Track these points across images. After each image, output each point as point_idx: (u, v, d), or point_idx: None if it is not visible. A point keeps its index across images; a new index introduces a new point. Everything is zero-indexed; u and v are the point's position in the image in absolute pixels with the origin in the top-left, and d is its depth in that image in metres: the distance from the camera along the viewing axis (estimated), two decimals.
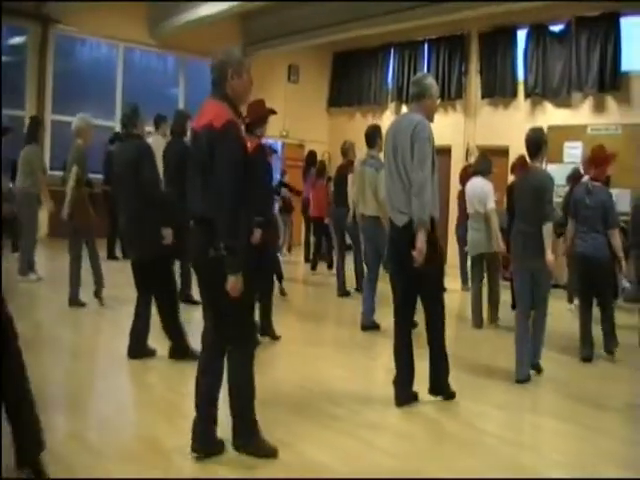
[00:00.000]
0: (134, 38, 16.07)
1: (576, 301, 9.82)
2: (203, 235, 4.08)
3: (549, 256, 6.44)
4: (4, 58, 14.80)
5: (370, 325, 8.29)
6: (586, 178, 7.82)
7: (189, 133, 4.52)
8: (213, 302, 4.22)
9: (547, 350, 6.97)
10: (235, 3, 13.46)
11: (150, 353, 6.36)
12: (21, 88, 14.72)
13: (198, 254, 4.14)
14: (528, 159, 6.67)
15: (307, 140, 18.46)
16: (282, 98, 18.28)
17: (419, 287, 5.50)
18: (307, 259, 14.48)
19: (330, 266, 13.19)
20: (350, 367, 6.81)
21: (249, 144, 6.63)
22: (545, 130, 13.48)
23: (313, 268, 13.37)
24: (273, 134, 17.93)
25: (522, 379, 6.41)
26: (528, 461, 4.66)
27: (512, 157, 12.44)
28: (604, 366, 7.33)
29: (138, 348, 6.30)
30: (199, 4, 14.16)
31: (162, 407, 5.22)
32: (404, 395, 5.50)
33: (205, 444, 4.19)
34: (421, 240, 5.17)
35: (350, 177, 10.27)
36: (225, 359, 4.23)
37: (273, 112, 7.29)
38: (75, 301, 8.32)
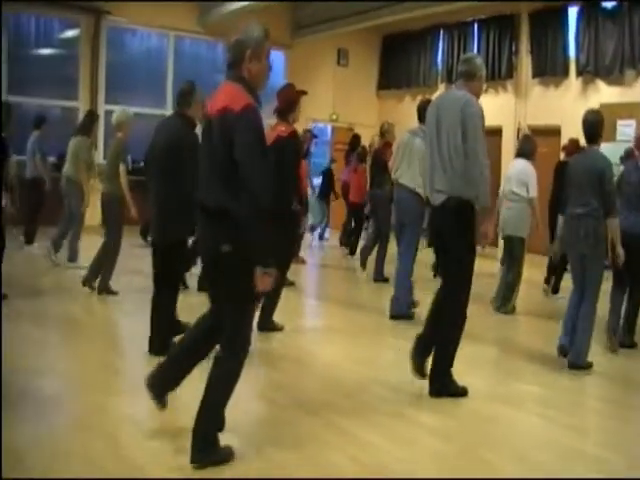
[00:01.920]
0: (184, 27, 16.25)
1: None
2: (216, 228, 3.82)
3: (619, 250, 6.36)
4: (58, 51, 15.18)
5: (403, 313, 7.95)
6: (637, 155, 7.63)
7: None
8: (222, 298, 3.96)
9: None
10: None
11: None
12: (75, 80, 15.02)
13: (210, 248, 3.88)
14: (585, 142, 6.50)
15: (356, 124, 18.42)
16: (331, 82, 18.38)
17: (448, 272, 5.35)
18: (342, 243, 14.28)
19: (354, 252, 12.95)
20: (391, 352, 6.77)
21: (283, 129, 6.84)
22: (598, 108, 13.62)
23: (352, 253, 13.18)
24: (322, 118, 18.01)
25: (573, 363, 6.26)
26: (575, 442, 4.68)
27: (564, 137, 12.36)
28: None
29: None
30: None
31: None
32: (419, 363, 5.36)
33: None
34: (487, 224, 5.17)
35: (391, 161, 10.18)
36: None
37: (304, 93, 7.16)
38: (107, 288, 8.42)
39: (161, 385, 4.19)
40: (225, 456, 3.93)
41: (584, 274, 6.36)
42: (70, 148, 9.93)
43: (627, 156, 9.64)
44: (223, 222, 3.76)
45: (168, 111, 15.70)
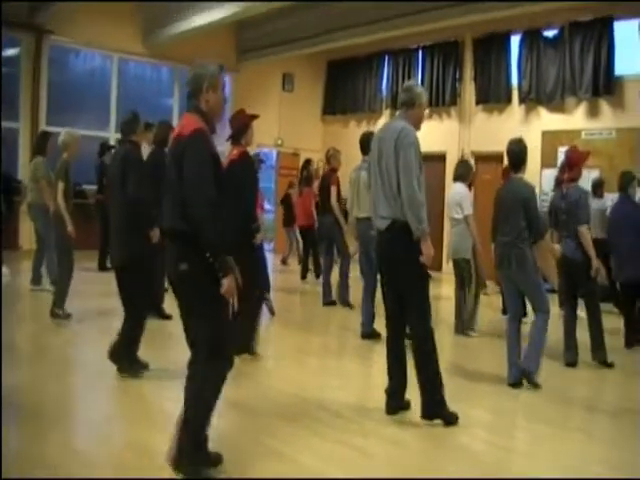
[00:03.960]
0: (128, 49, 16.02)
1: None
2: (174, 249, 4.05)
3: (550, 274, 6.48)
4: None
5: (369, 334, 8.25)
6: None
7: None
8: (186, 314, 4.14)
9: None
10: (228, 14, 13.38)
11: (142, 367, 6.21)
12: (15, 100, 14.68)
13: (171, 268, 4.08)
14: (512, 170, 6.69)
15: (301, 149, 18.45)
16: (277, 107, 18.38)
17: (402, 295, 5.39)
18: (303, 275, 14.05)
19: (318, 275, 12.85)
20: (346, 376, 6.81)
21: (235, 152, 6.99)
22: (539, 135, 13.89)
23: (303, 277, 13.25)
24: (267, 143, 17.95)
25: (512, 382, 6.45)
26: (519, 466, 4.71)
27: (506, 163, 12.47)
28: (591, 370, 7.33)
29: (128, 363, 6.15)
30: (193, 14, 14.13)
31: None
32: (394, 404, 5.46)
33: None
34: (427, 246, 5.17)
35: (333, 188, 10.31)
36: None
37: (255, 117, 7.28)
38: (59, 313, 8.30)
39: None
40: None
41: (518, 296, 6.66)
42: (30, 172, 9.78)
43: (557, 184, 9.80)
44: (179, 243, 4.02)
45: (111, 134, 15.58)
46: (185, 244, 3.98)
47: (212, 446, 4.16)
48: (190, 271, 3.97)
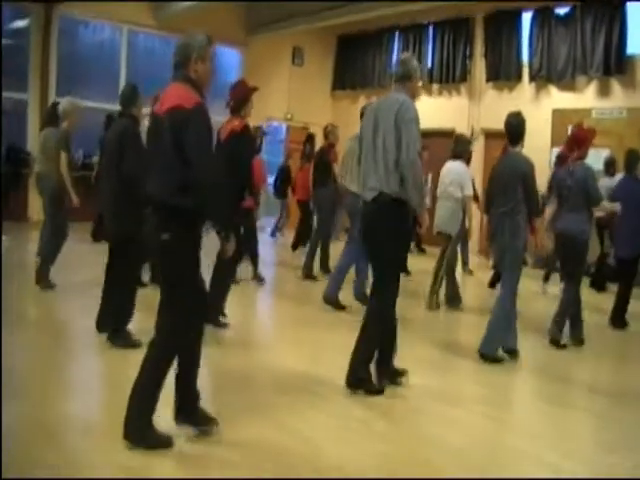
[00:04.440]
0: (138, 21, 15.98)
1: (550, 282, 10.41)
2: (158, 219, 4.04)
3: (545, 243, 6.78)
4: (7, 41, 14.78)
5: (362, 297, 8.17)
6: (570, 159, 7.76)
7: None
8: (164, 282, 4.20)
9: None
10: None
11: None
12: (24, 71, 14.66)
13: (152, 237, 4.08)
14: (509, 144, 6.73)
15: (311, 123, 18.38)
16: (286, 81, 18.33)
17: (377, 267, 5.44)
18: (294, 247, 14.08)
19: (294, 247, 13.35)
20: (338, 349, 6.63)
21: (236, 124, 6.96)
22: (550, 113, 13.83)
23: (294, 247, 13.44)
24: (277, 117, 17.94)
25: (485, 352, 6.50)
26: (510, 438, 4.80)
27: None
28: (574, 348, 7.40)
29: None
30: None
31: None
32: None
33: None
34: (425, 218, 5.30)
35: (335, 165, 10.39)
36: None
37: (255, 89, 7.30)
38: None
39: (185, 412, 4.25)
40: (161, 442, 4.04)
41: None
42: (39, 144, 9.71)
43: (560, 160, 9.80)
44: (165, 213, 4.00)
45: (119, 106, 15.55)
46: (168, 214, 3.99)
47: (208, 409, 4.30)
48: (171, 241, 3.99)
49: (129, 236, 6.14)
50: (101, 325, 6.38)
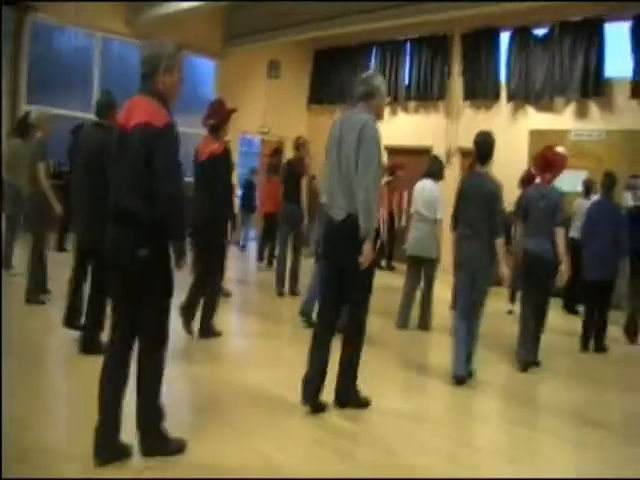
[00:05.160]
0: (112, 28, 15.67)
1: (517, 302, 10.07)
2: (131, 235, 3.96)
3: (504, 270, 6.60)
4: None
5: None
6: (538, 180, 7.73)
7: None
8: (137, 303, 4.07)
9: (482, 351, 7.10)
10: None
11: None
12: None
13: (125, 254, 3.99)
14: (477, 163, 6.73)
15: (286, 137, 18.19)
16: (263, 94, 18.15)
17: (347, 288, 5.39)
18: (261, 257, 13.97)
19: (270, 263, 13.22)
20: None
21: (216, 147, 7.04)
22: (527, 134, 13.80)
23: (269, 263, 13.33)
24: (252, 130, 17.74)
25: (459, 374, 6.48)
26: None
27: (494, 160, 12.35)
28: (540, 371, 7.40)
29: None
30: None
31: None
32: (310, 396, 5.39)
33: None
34: (368, 248, 5.17)
35: (304, 178, 10.39)
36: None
37: (234, 111, 7.45)
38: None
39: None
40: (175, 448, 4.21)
41: (471, 292, 6.60)
42: (6, 153, 9.51)
43: (527, 180, 9.78)
44: (137, 227, 3.95)
45: (92, 114, 15.24)
46: (144, 229, 3.93)
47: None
48: (149, 257, 3.94)
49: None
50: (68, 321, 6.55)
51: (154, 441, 4.14)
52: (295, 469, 4.25)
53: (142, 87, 4.07)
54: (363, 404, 5.48)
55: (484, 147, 6.67)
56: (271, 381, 6.04)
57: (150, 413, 4.13)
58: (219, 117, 7.20)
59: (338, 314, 5.52)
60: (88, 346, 6.18)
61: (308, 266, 9.83)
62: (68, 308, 6.63)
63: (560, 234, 7.25)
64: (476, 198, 6.50)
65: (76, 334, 6.50)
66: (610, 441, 5.42)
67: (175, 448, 4.20)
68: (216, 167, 6.92)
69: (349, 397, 5.44)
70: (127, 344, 4.13)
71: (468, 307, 6.63)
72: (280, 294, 10.50)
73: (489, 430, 5.58)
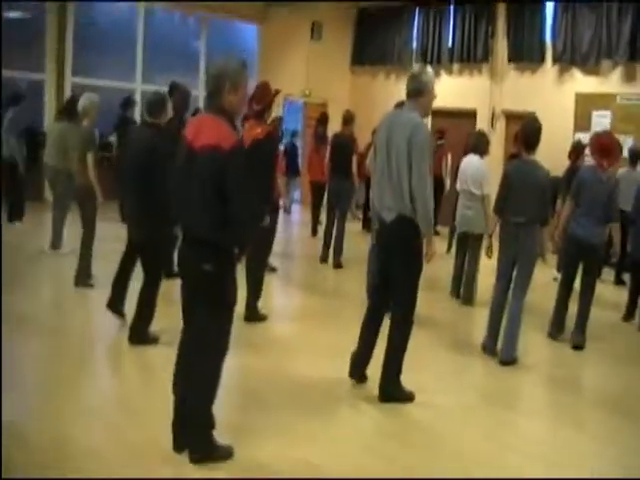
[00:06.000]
0: None
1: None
2: (198, 251, 4.15)
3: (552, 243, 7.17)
4: (25, 15, 14.55)
5: None
6: (592, 162, 7.60)
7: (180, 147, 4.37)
8: (207, 311, 4.23)
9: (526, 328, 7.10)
10: None
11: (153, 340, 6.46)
12: (41, 50, 14.47)
13: (193, 269, 4.18)
14: (524, 149, 6.74)
15: (329, 99, 18.16)
16: (305, 56, 18.02)
17: (395, 286, 5.52)
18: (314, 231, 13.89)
19: (314, 232, 13.32)
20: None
21: (259, 131, 7.02)
22: (573, 97, 13.60)
23: (313, 233, 13.38)
24: (295, 93, 17.69)
25: (505, 359, 6.64)
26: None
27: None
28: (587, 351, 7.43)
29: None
30: None
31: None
32: (356, 373, 5.72)
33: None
34: (433, 245, 5.39)
35: (355, 157, 10.58)
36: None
37: (279, 92, 7.55)
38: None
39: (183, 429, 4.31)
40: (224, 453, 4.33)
41: (511, 274, 6.76)
42: (55, 136, 9.66)
43: (577, 150, 9.69)
44: (205, 246, 4.10)
45: (137, 84, 15.40)
46: (208, 245, 4.10)
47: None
48: (214, 272, 4.10)
49: (153, 241, 6.39)
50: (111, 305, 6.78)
51: (204, 448, 4.27)
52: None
53: (208, 105, 4.24)
54: (407, 399, 5.56)
55: (532, 134, 6.64)
56: (317, 372, 6.10)
57: (201, 420, 4.26)
58: (264, 102, 7.15)
59: (386, 299, 5.67)
60: (135, 337, 6.38)
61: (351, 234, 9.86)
62: (112, 293, 6.83)
63: (616, 230, 7.48)
64: (528, 188, 6.53)
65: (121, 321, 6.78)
66: None
67: (223, 454, 4.32)
68: (259, 153, 6.82)
69: (393, 393, 5.52)
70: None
71: (507, 290, 6.83)
72: (324, 260, 10.77)
73: (533, 430, 5.51)
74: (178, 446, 4.28)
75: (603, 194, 7.16)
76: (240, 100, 4.21)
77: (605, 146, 7.26)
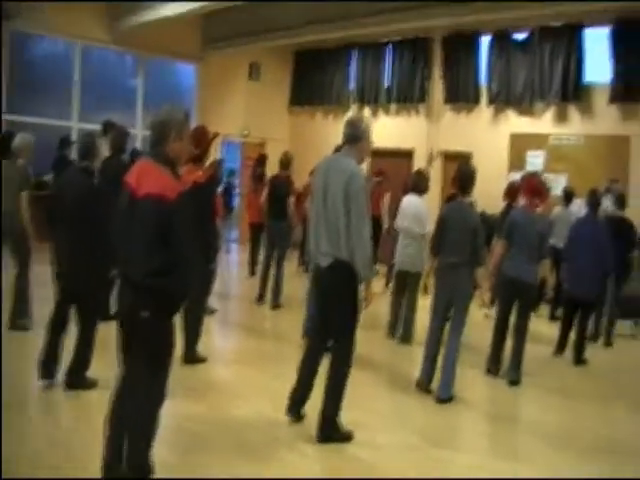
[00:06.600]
0: (93, 35, 15.51)
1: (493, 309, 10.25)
2: (137, 297, 4.10)
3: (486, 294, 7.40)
4: None
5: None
6: (522, 204, 7.91)
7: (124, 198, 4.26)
8: (143, 358, 4.18)
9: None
10: (196, 5, 13.06)
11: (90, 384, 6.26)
12: None
13: (131, 315, 4.13)
14: (459, 192, 6.94)
15: (268, 138, 18.23)
16: (243, 96, 18.11)
17: (333, 329, 5.56)
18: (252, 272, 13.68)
19: (252, 272, 13.18)
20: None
21: (201, 173, 7.02)
22: (507, 137, 13.90)
23: (251, 273, 13.25)
24: (233, 133, 17.68)
25: (442, 397, 6.70)
26: None
27: (474, 163, 12.44)
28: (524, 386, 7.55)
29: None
30: (159, 4, 13.74)
31: None
32: (294, 411, 5.69)
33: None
34: (370, 290, 5.40)
35: (292, 198, 10.50)
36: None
37: (217, 135, 7.65)
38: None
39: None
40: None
41: (446, 314, 6.89)
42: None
43: (510, 191, 9.92)
44: (144, 292, 4.05)
45: (74, 122, 15.19)
46: (148, 291, 4.05)
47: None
48: (152, 319, 4.07)
49: (91, 291, 6.17)
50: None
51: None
52: None
53: (152, 152, 4.23)
54: (346, 439, 5.52)
55: (468, 177, 6.87)
56: (256, 413, 6.03)
57: (137, 467, 4.18)
58: (202, 146, 7.12)
59: (325, 340, 5.71)
60: (73, 381, 6.20)
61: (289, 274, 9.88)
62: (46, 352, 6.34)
63: (547, 266, 7.72)
64: (462, 230, 6.70)
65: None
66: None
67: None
68: (200, 196, 6.77)
69: (331, 433, 5.47)
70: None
71: (442, 328, 6.95)
72: (260, 300, 10.74)
73: (472, 466, 5.47)
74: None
75: (534, 233, 7.41)
76: (183, 148, 4.26)
77: (534, 187, 7.63)
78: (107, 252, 5.98)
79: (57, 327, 6.34)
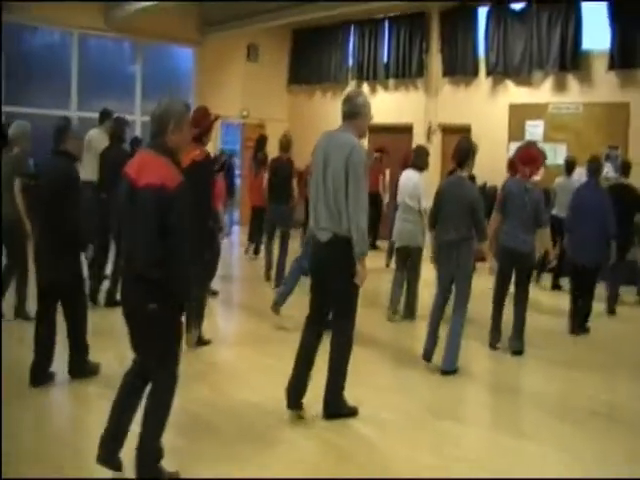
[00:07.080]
0: (89, 24, 15.50)
1: None
2: (142, 289, 4.13)
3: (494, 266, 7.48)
4: None
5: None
6: (519, 175, 7.82)
7: (123, 186, 4.27)
8: (150, 350, 4.27)
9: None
10: None
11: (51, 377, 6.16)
12: None
13: (137, 307, 4.18)
14: (457, 167, 6.95)
15: (267, 119, 18.22)
16: (241, 78, 18.10)
17: (333, 304, 5.54)
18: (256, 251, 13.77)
19: (256, 252, 13.32)
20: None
21: (197, 153, 7.01)
22: (507, 108, 13.88)
23: (255, 252, 13.38)
24: (232, 115, 17.67)
25: (448, 369, 6.77)
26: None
27: (474, 135, 12.48)
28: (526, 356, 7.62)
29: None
30: None
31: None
32: (293, 401, 5.53)
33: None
34: (364, 268, 5.30)
35: (295, 181, 10.59)
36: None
37: (218, 118, 7.58)
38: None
39: (112, 451, 4.30)
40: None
41: (450, 287, 6.93)
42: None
43: (511, 165, 9.88)
44: (149, 284, 4.08)
45: (73, 111, 15.21)
46: (153, 285, 4.07)
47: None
48: (159, 311, 4.10)
49: (67, 284, 6.05)
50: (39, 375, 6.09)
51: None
52: None
53: (152, 143, 4.26)
54: (351, 414, 5.56)
55: (463, 153, 6.87)
56: (261, 395, 6.04)
57: (149, 454, 4.23)
58: (202, 125, 7.10)
59: (323, 320, 5.64)
60: (75, 370, 6.19)
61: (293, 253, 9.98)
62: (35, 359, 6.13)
63: (546, 235, 7.68)
64: (458, 203, 6.73)
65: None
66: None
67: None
68: (197, 174, 6.61)
69: (337, 408, 5.50)
70: (140, 383, 4.37)
71: (446, 299, 7.03)
72: (268, 279, 10.87)
73: (478, 439, 5.54)
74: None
75: (529, 202, 7.41)
76: (184, 138, 4.32)
77: (527, 156, 7.62)
78: (78, 238, 6.08)
79: (44, 320, 6.13)
